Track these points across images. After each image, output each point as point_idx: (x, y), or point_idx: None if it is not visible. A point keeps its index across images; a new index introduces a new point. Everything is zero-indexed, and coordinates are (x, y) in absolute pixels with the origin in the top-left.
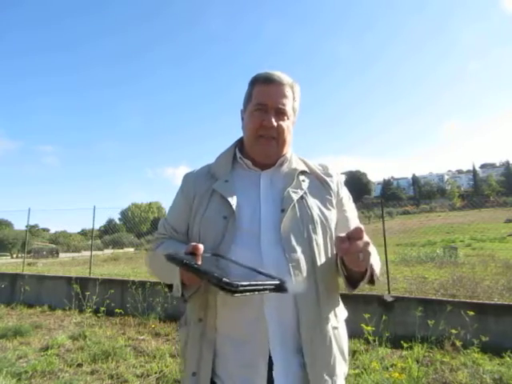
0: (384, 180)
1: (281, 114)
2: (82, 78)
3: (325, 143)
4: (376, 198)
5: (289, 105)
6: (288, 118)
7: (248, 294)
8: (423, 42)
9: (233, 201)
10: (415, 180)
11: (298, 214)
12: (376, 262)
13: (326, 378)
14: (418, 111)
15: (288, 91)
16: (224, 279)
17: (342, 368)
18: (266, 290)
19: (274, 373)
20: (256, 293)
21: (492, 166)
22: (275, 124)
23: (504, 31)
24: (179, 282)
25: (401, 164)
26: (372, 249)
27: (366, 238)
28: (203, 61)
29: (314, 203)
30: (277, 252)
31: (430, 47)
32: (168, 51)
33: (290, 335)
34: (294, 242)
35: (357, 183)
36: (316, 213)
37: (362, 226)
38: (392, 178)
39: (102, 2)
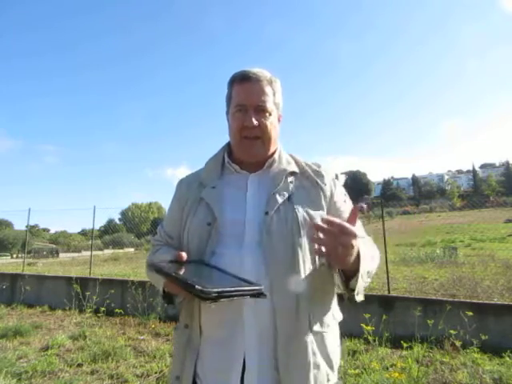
0: (384, 180)
1: (261, 111)
2: (83, 78)
3: (325, 143)
4: (376, 198)
5: (269, 101)
6: (270, 114)
7: (224, 300)
8: (423, 41)
9: (217, 207)
10: (415, 180)
11: (283, 216)
12: (368, 261)
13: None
14: (417, 111)
15: (266, 87)
16: (197, 287)
17: (325, 374)
18: (241, 296)
19: (245, 376)
20: (232, 298)
21: (492, 166)
22: (256, 123)
23: (503, 30)
24: (162, 290)
25: (401, 164)
26: (363, 246)
27: (335, 227)
28: (204, 61)
29: (301, 205)
30: (257, 255)
31: (428, 46)
32: (168, 52)
33: (266, 340)
34: (275, 245)
35: (357, 183)
36: (302, 215)
37: (328, 217)
38: (392, 178)
39: (103, 2)
